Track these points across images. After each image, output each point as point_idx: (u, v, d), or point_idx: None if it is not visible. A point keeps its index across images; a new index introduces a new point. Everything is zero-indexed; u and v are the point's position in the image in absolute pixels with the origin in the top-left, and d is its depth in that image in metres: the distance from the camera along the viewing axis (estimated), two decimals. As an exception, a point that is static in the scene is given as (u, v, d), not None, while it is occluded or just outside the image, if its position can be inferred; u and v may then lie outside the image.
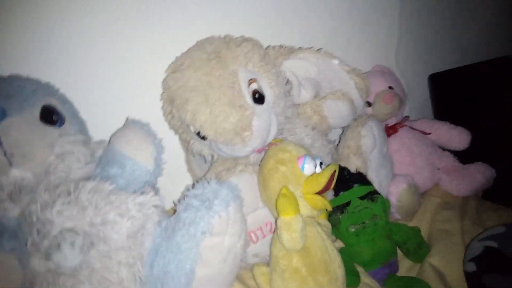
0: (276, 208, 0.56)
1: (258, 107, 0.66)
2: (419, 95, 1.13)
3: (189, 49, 0.71)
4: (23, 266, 0.46)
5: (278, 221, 0.55)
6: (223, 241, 0.52)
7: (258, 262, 0.64)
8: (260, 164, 0.65)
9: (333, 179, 0.59)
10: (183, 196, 0.55)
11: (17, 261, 0.44)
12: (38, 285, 0.48)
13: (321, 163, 0.60)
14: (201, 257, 0.50)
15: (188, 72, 0.66)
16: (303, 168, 0.60)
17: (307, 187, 0.59)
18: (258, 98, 0.66)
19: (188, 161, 0.84)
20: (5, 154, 0.49)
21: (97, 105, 0.67)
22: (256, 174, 0.66)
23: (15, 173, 0.50)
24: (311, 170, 0.60)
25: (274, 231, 0.60)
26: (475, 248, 0.66)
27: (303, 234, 0.55)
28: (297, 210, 0.55)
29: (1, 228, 0.46)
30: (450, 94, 1.11)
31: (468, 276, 0.64)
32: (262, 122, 0.65)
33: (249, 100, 0.65)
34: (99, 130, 0.65)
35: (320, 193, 0.59)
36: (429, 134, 0.94)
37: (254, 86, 0.66)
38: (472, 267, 0.63)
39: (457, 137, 0.94)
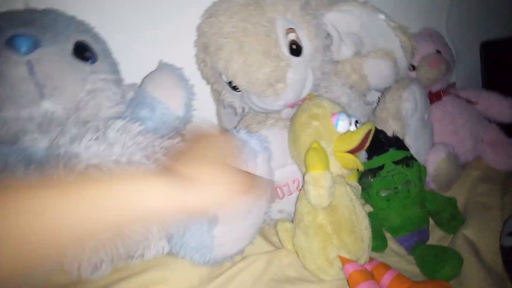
0: (305, 162, 0.54)
1: (295, 59, 0.63)
2: (468, 63, 1.06)
3: (226, -6, 0.68)
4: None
5: (306, 176, 0.53)
6: (249, 191, 0.50)
7: (282, 218, 0.63)
8: (292, 118, 0.63)
9: (367, 139, 0.56)
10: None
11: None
12: None
13: (356, 122, 0.57)
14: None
15: (224, 18, 0.63)
16: (337, 124, 0.57)
17: (339, 145, 0.56)
18: (295, 49, 0.63)
19: (218, 114, 0.82)
20: (37, 84, 0.48)
21: (131, 47, 0.66)
22: (287, 129, 0.64)
23: (46, 105, 0.50)
24: (345, 128, 0.57)
25: (301, 188, 0.58)
26: (515, 223, 0.63)
27: (331, 191, 0.53)
28: (326, 166, 0.53)
29: (28, 158, 0.46)
30: (502, 64, 1.04)
31: (504, 250, 0.60)
32: (297, 75, 0.62)
33: (285, 50, 0.62)
34: (131, 73, 0.64)
35: (352, 152, 0.56)
36: (475, 103, 0.88)
37: (291, 36, 0.63)
38: (509, 242, 0.60)
39: (506, 108, 0.88)
